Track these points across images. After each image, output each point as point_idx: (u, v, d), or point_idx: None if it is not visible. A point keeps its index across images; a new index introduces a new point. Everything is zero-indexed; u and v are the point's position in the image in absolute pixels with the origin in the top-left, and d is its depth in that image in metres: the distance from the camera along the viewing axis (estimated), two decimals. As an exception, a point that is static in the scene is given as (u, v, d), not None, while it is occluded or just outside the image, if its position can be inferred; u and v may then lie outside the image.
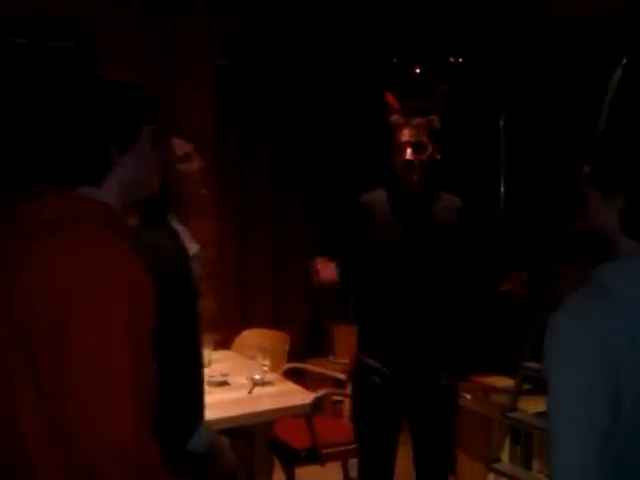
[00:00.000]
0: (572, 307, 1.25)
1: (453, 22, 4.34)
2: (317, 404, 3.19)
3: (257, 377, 3.11)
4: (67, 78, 1.32)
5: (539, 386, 3.52)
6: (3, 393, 1.24)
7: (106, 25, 4.12)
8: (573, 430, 1.17)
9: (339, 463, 3.43)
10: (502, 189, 4.45)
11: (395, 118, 2.49)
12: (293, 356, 3.96)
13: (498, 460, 3.52)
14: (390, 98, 2.55)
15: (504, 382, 3.90)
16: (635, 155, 1.27)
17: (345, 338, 4.43)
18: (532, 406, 3.50)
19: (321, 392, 3.31)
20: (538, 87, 4.00)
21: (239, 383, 3.11)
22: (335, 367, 4.36)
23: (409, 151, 2.43)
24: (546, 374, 1.23)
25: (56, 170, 1.30)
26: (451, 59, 4.53)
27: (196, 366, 1.99)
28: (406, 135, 2.45)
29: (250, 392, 3.03)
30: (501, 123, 4.41)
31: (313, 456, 3.25)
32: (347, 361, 3.87)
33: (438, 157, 2.50)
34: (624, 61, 3.15)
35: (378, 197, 2.57)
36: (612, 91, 3.15)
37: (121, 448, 1.13)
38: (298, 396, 3.05)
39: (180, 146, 2.03)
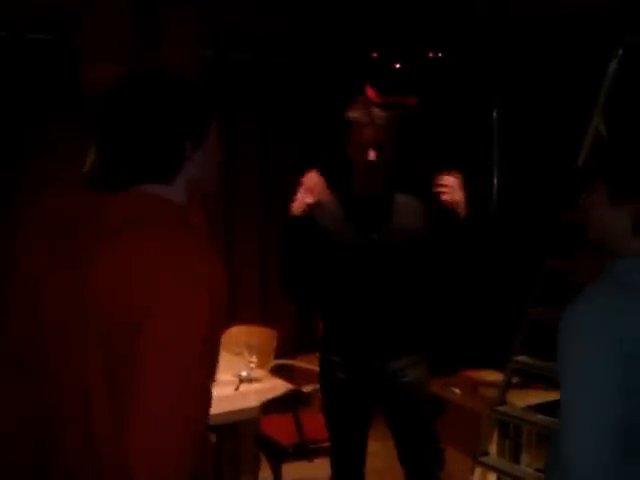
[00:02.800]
0: (591, 300, 1.30)
1: (447, 13, 4.31)
2: (305, 399, 3.17)
3: (244, 374, 3.11)
4: (146, 75, 1.29)
5: (528, 380, 3.51)
6: (75, 394, 1.21)
7: (90, 18, 4.07)
8: (589, 418, 1.22)
9: (326, 459, 3.41)
10: (495, 181, 4.44)
11: (357, 115, 2.40)
12: (281, 353, 3.93)
13: (486, 454, 3.52)
14: (370, 92, 2.51)
15: (493, 376, 3.89)
16: None
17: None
18: (521, 400, 3.48)
19: (309, 387, 3.29)
20: (532, 78, 3.98)
21: (226, 380, 3.09)
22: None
23: (372, 153, 2.36)
24: (560, 365, 1.28)
25: (133, 167, 1.26)
26: (439, 53, 4.51)
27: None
28: (369, 135, 2.36)
29: (237, 389, 3.02)
30: (494, 115, 4.39)
31: (300, 452, 3.24)
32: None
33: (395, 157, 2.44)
34: (620, 52, 3.10)
35: (331, 201, 2.52)
36: (608, 82, 3.11)
37: (161, 466, 1.09)
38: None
39: None
